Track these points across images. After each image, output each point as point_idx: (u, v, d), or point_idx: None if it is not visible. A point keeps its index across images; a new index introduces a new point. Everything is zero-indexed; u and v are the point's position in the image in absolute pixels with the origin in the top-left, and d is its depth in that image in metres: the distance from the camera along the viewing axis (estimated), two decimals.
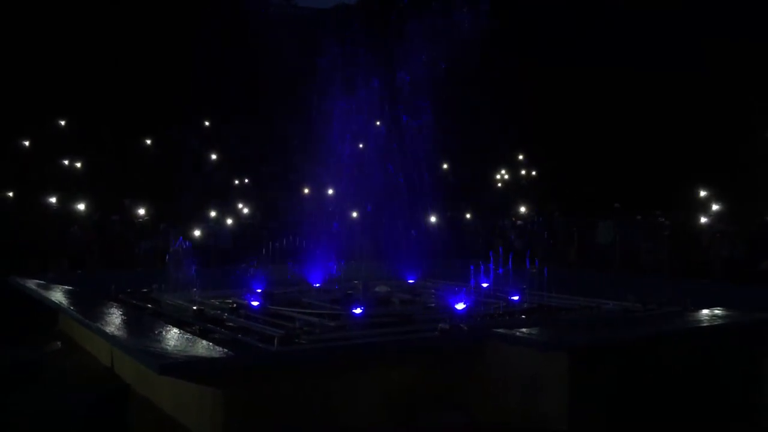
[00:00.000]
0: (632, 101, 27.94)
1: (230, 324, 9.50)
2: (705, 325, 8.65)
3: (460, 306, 9.62)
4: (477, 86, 30.05)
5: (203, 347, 7.25)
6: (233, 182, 26.08)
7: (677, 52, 27.17)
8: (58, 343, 11.34)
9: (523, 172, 30.12)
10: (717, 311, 9.19)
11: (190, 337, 7.88)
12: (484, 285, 12.45)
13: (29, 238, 17.71)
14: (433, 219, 22.07)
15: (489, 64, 31.07)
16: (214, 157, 27.86)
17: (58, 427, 5.92)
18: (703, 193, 21.71)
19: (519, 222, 22.03)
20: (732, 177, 21.79)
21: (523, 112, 29.01)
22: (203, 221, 20.14)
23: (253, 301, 10.94)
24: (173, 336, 7.97)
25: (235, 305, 11.22)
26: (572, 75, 29.81)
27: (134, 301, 11.71)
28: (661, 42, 27.87)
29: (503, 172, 29.52)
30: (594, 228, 19.67)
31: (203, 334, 8.40)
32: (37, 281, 13.06)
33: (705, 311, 9.27)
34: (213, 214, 21.32)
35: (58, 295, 11.71)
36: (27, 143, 26.26)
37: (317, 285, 13.57)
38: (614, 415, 7.09)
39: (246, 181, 26.45)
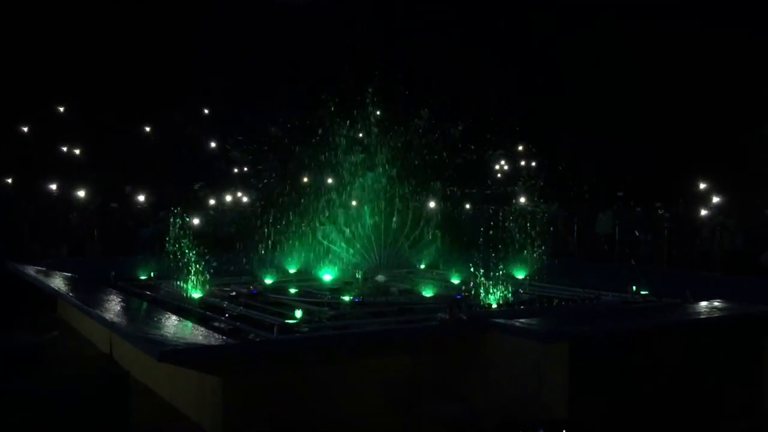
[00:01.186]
0: (632, 93, 27.86)
1: (230, 312, 9.51)
2: (704, 317, 8.65)
3: (459, 296, 9.62)
4: (477, 76, 30.04)
5: (202, 335, 7.25)
6: (233, 170, 26.02)
7: (677, 44, 27.08)
8: (55, 333, 11.35)
9: (523, 162, 30.06)
10: (716, 303, 9.18)
11: (189, 324, 7.88)
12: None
13: (29, 224, 17.68)
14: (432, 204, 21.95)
15: (490, 53, 31.06)
16: (213, 144, 27.80)
17: (56, 413, 5.91)
18: (703, 185, 21.69)
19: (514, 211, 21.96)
20: (732, 169, 21.76)
21: (523, 103, 28.97)
22: (203, 209, 20.10)
23: (252, 289, 10.95)
24: (172, 323, 7.98)
25: (234, 293, 11.24)
26: (573, 66, 29.73)
27: (133, 288, 11.72)
28: (662, 33, 27.78)
29: (503, 162, 29.45)
30: (594, 219, 19.67)
31: (203, 322, 8.41)
32: (37, 267, 13.07)
33: (704, 303, 9.27)
34: (212, 201, 21.28)
35: (57, 282, 11.72)
36: (27, 129, 26.18)
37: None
38: (614, 406, 7.09)
39: (245, 169, 26.37)
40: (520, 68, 30.35)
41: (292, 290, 11.29)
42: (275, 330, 7.67)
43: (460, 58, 30.58)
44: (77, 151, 25.42)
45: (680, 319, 8.71)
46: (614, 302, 10.37)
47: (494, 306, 9.67)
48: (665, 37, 27.61)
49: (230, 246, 17.94)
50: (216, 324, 8.47)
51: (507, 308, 9.57)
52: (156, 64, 28.50)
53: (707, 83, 26.01)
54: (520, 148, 30.60)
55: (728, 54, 25.93)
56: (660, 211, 19.64)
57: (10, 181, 21.91)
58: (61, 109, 27.98)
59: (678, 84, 26.75)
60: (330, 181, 22.47)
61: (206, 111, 30.20)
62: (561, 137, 27.69)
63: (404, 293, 11.51)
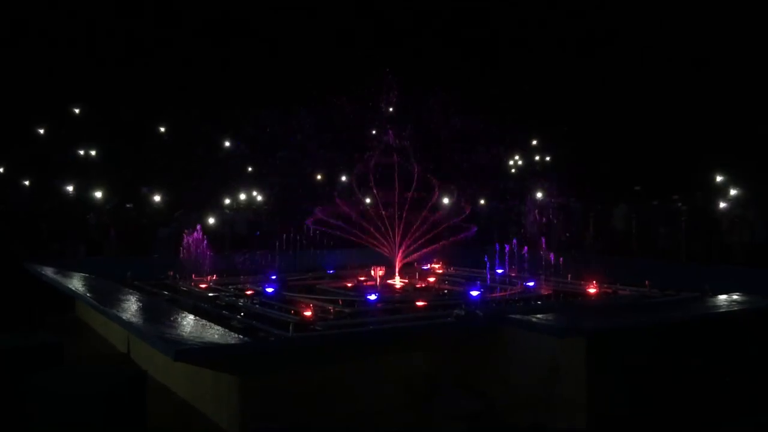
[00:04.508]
0: (648, 83, 27.61)
1: (246, 310, 9.53)
2: (723, 310, 8.55)
3: (475, 292, 9.58)
4: (490, 70, 29.91)
5: (219, 333, 7.25)
6: (248, 169, 26.09)
7: (692, 33, 26.80)
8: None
9: (537, 157, 29.92)
10: (736, 296, 9.07)
11: (206, 323, 7.89)
12: (500, 271, 12.41)
13: (46, 224, 17.83)
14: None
15: (501, 47, 30.90)
16: (227, 143, 27.88)
17: (74, 412, 5.95)
18: (721, 177, 21.46)
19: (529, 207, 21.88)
20: (751, 160, 21.48)
21: (537, 97, 28.83)
22: (219, 208, 20.20)
23: (268, 287, 10.96)
24: (189, 322, 7.99)
25: (250, 291, 11.28)
26: (587, 57, 29.52)
27: (150, 288, 11.78)
28: (677, 22, 27.51)
29: (517, 157, 29.33)
30: (610, 213, 19.52)
31: (218, 320, 8.42)
32: (54, 268, 13.16)
33: (723, 296, 9.16)
34: (228, 201, 21.37)
35: (74, 282, 11.79)
36: (43, 130, 26.39)
37: (331, 272, 13.59)
38: (633, 401, 7.02)
39: (260, 167, 26.43)
40: (533, 59, 30.20)
41: (308, 288, 11.28)
42: (291, 328, 7.66)
43: (469, 53, 30.51)
44: (93, 152, 25.57)
45: (699, 312, 8.61)
46: (631, 296, 10.29)
47: (510, 301, 9.63)
48: (681, 26, 27.33)
49: (246, 245, 18.03)
50: (232, 322, 8.49)
51: (523, 303, 9.53)
52: (170, 63, 28.65)
53: (724, 73, 25.72)
54: (534, 142, 30.48)
55: (745, 44, 25.62)
56: (678, 204, 19.45)
57: (27, 183, 22.09)
58: (77, 110, 28.17)
59: (694, 74, 26.48)
60: (344, 178, 22.48)
61: (222, 110, 30.27)
62: (575, 130, 27.51)
63: (420, 290, 11.49)
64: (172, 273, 12.58)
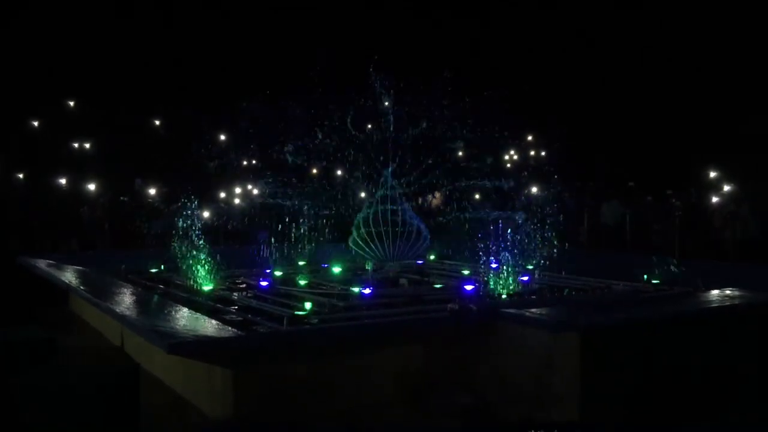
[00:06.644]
0: (643, 80, 27.64)
1: (239, 304, 9.53)
2: (716, 305, 8.57)
3: (469, 287, 9.59)
4: (484, 65, 29.87)
5: (212, 327, 7.25)
6: (242, 163, 26.01)
7: (686, 27, 26.81)
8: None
9: (532, 152, 29.92)
10: (728, 291, 9.09)
11: (200, 316, 7.89)
12: (494, 266, 12.41)
13: (40, 218, 17.76)
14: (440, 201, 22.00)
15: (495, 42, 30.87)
16: (223, 137, 27.79)
17: (68, 406, 5.93)
18: (714, 173, 21.54)
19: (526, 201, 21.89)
20: (744, 156, 21.55)
21: (532, 93, 28.80)
22: (213, 202, 20.15)
23: (262, 281, 10.96)
24: (183, 315, 7.98)
25: (244, 285, 11.27)
26: (579, 53, 29.53)
27: (144, 281, 11.75)
28: (672, 16, 27.53)
29: (512, 152, 29.31)
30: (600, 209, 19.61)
31: (212, 314, 8.41)
32: (48, 261, 13.12)
33: (716, 291, 9.19)
34: (222, 194, 21.33)
35: (68, 275, 11.75)
36: (36, 124, 26.26)
37: (325, 266, 13.57)
38: (627, 397, 7.05)
39: (254, 162, 26.34)
40: (525, 53, 30.19)
41: (302, 282, 11.28)
42: (285, 321, 7.66)
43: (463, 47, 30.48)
44: (87, 145, 25.46)
45: (693, 307, 8.63)
46: (625, 291, 10.31)
47: (504, 296, 9.64)
48: (675, 20, 27.36)
49: (240, 238, 18.01)
50: (226, 316, 8.48)
51: (517, 298, 9.53)
52: (165, 57, 28.53)
53: (718, 69, 25.76)
54: (530, 138, 30.48)
55: (740, 39, 25.66)
56: (672, 200, 19.53)
57: (21, 176, 21.99)
58: (71, 104, 28.04)
59: (689, 72, 26.51)
60: (339, 172, 22.49)
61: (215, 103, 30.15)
62: (570, 126, 27.53)
63: (414, 284, 11.49)
64: (165, 266, 12.54)
